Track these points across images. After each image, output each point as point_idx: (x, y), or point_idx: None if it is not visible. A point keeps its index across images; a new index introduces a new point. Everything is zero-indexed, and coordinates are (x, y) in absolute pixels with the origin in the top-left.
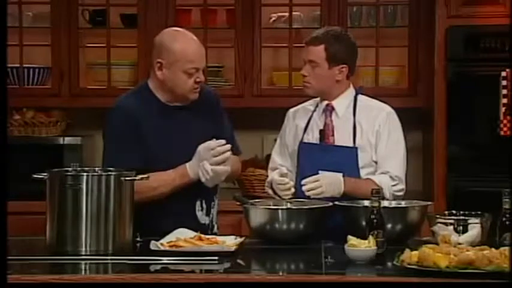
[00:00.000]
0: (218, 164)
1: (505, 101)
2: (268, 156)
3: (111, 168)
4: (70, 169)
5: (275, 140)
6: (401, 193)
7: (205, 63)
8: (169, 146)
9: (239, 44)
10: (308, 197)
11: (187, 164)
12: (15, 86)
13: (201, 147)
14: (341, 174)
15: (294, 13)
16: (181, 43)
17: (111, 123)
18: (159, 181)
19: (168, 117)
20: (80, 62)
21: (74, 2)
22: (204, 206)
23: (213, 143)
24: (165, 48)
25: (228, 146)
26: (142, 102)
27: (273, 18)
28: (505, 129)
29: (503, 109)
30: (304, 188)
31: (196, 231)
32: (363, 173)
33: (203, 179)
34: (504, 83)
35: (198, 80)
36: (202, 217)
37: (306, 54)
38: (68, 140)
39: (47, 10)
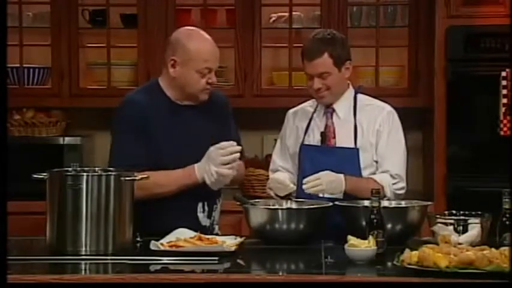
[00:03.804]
0: (225, 164)
1: (505, 101)
2: (268, 156)
3: (111, 168)
4: (70, 169)
5: (275, 140)
6: (402, 191)
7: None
8: (176, 144)
9: (239, 44)
10: (310, 197)
11: (195, 165)
12: (15, 86)
13: (213, 148)
14: (342, 174)
15: (294, 13)
16: (197, 42)
17: (120, 117)
18: (166, 179)
19: (176, 115)
20: (80, 62)
21: (74, 2)
22: (206, 208)
23: (225, 143)
24: (181, 46)
25: (239, 148)
26: (152, 99)
27: (273, 18)
28: (505, 129)
29: (503, 109)
30: (304, 187)
31: (196, 232)
32: (365, 173)
33: (208, 182)
34: (504, 83)
35: (210, 81)
36: (203, 219)
37: (313, 69)
38: (68, 140)
39: (47, 10)
